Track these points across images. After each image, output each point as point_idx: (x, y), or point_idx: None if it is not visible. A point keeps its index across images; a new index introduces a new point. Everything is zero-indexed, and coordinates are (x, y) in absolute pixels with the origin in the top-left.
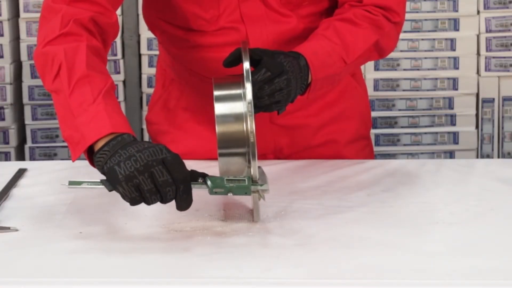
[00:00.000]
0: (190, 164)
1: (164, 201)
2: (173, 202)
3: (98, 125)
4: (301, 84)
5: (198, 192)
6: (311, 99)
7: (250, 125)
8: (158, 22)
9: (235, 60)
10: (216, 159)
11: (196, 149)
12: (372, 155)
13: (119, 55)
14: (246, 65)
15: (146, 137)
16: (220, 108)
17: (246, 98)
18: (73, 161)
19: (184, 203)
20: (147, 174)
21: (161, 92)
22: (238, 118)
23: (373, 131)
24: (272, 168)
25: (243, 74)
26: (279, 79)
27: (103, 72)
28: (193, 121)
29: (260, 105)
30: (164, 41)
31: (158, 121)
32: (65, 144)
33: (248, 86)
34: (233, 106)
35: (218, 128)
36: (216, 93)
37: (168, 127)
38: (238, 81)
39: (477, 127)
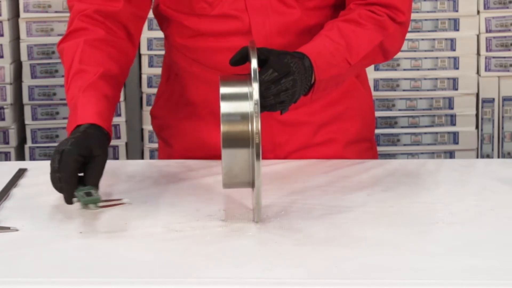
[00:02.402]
0: (190, 164)
1: (59, 190)
2: (173, 204)
3: (71, 119)
4: (305, 84)
5: (198, 192)
6: (314, 99)
7: (256, 126)
8: (164, 10)
9: (241, 59)
10: (218, 156)
11: (198, 144)
12: (375, 156)
13: None
14: (254, 64)
15: (146, 137)
16: (225, 107)
17: (252, 98)
18: None
19: (63, 192)
20: (51, 161)
21: (165, 87)
22: (243, 117)
23: None
24: (272, 168)
25: (250, 73)
26: (286, 80)
27: (96, 63)
28: (196, 115)
29: (265, 104)
30: (170, 34)
31: (162, 115)
32: None
33: (256, 86)
34: (239, 105)
35: (223, 127)
36: (222, 91)
37: (171, 121)
38: (244, 80)
39: (477, 127)
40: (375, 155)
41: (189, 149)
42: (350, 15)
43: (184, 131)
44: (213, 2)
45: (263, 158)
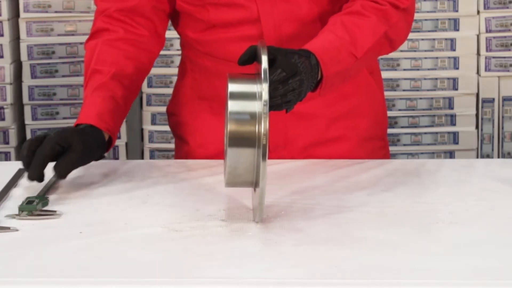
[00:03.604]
0: (190, 164)
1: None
2: (173, 204)
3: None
4: (312, 83)
5: (198, 192)
6: (323, 94)
7: (264, 126)
8: (179, 5)
9: (250, 58)
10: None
11: (213, 139)
12: (387, 156)
13: None
14: (265, 64)
15: (146, 137)
16: (233, 105)
17: (262, 98)
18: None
19: (28, 169)
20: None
21: (181, 84)
22: (251, 117)
23: None
24: (272, 168)
25: (260, 73)
26: (293, 80)
27: (110, 62)
28: (208, 111)
29: (271, 104)
30: (183, 30)
31: (176, 112)
32: None
33: (266, 87)
34: (248, 104)
35: (230, 126)
36: (231, 89)
37: (184, 118)
38: (253, 79)
39: (477, 127)
40: (387, 154)
41: (204, 144)
42: (353, 7)
43: (199, 126)
44: None
45: (275, 155)
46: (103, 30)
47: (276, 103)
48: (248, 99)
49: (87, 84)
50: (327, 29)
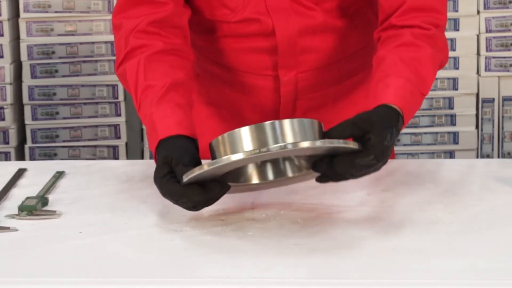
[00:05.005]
0: None
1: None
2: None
3: (152, 136)
4: None
5: None
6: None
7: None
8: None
9: (347, 132)
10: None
11: None
12: (392, 156)
13: None
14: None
15: (146, 137)
16: (290, 124)
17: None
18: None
19: (198, 207)
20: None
21: None
22: (274, 139)
23: None
24: None
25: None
26: (376, 167)
27: (161, 75)
28: (215, 117)
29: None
30: (192, 36)
31: None
32: (64, 144)
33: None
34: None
35: (270, 124)
36: (299, 120)
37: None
38: (321, 138)
39: (477, 127)
40: (392, 153)
41: (207, 150)
42: (405, 39)
43: (205, 131)
44: (236, 7)
45: None
46: (140, 47)
47: (345, 177)
48: (303, 134)
49: (141, 101)
50: (392, 73)
